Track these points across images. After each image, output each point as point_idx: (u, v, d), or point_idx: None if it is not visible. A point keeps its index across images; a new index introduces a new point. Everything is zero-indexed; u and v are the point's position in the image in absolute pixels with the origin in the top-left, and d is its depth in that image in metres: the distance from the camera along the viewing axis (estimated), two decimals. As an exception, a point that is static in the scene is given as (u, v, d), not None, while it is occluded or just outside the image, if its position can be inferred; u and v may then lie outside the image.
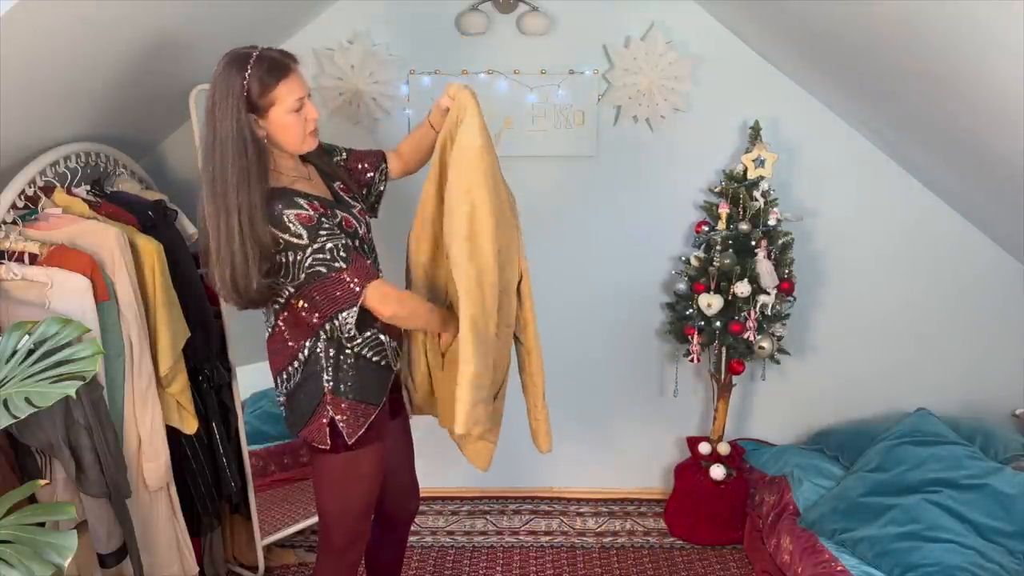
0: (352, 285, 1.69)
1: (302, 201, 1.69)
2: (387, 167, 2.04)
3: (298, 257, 1.67)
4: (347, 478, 1.86)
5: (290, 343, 1.80)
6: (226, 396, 2.48)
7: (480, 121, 1.79)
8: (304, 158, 1.87)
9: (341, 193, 1.88)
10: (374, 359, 1.84)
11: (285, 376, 1.84)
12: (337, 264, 1.68)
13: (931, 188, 2.88)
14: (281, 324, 1.80)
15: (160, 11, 2.01)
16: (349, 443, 1.80)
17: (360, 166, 2.01)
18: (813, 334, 3.05)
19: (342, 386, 1.79)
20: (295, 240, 1.66)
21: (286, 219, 1.65)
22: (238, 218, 1.61)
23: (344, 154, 2.00)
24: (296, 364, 1.81)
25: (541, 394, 2.07)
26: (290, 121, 1.70)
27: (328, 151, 1.98)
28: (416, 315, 1.84)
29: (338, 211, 1.79)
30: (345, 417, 1.79)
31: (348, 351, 1.79)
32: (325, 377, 1.79)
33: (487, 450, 2.01)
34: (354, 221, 1.82)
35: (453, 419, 1.82)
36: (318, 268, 1.68)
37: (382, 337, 1.86)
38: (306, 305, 1.74)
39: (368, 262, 1.76)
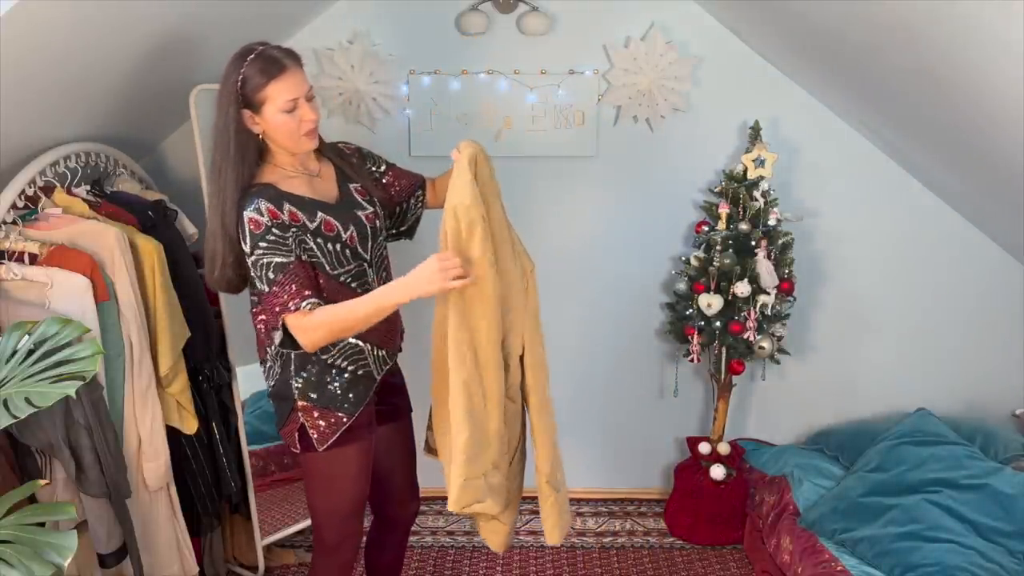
0: (278, 306, 1.66)
1: (267, 204, 1.67)
2: (424, 195, 2.01)
3: (248, 260, 1.69)
4: (327, 479, 1.85)
5: (263, 337, 1.80)
6: (226, 396, 2.48)
7: (469, 178, 1.70)
8: (323, 155, 1.87)
9: (355, 195, 1.84)
10: (350, 368, 1.80)
11: (266, 370, 1.85)
12: (262, 286, 1.67)
13: (931, 188, 2.88)
14: (259, 319, 1.79)
15: (160, 11, 2.01)
16: (319, 449, 1.79)
17: (396, 183, 1.98)
18: (813, 334, 3.05)
19: (313, 393, 1.77)
20: (241, 244, 1.69)
21: (244, 219, 1.67)
22: (219, 202, 1.70)
23: (383, 167, 1.97)
24: (268, 362, 1.82)
25: (545, 478, 1.94)
26: (281, 121, 1.70)
27: (366, 157, 1.96)
28: (335, 330, 1.67)
29: (320, 213, 1.74)
30: (315, 424, 1.78)
31: (317, 359, 1.77)
32: (295, 384, 1.78)
33: (501, 531, 1.93)
34: (337, 224, 1.76)
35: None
36: (256, 280, 1.69)
37: (363, 345, 1.81)
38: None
39: (306, 291, 1.65)
